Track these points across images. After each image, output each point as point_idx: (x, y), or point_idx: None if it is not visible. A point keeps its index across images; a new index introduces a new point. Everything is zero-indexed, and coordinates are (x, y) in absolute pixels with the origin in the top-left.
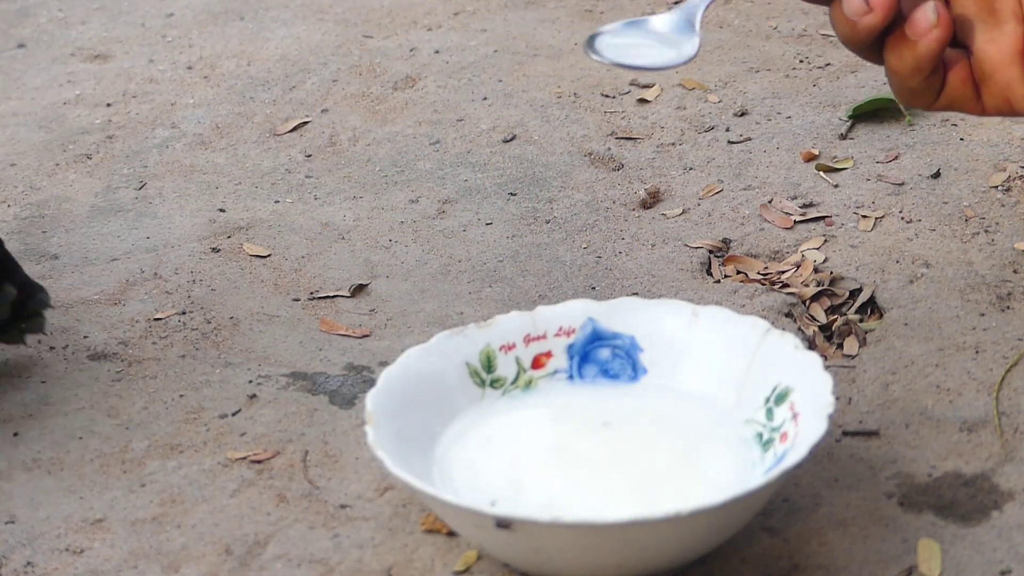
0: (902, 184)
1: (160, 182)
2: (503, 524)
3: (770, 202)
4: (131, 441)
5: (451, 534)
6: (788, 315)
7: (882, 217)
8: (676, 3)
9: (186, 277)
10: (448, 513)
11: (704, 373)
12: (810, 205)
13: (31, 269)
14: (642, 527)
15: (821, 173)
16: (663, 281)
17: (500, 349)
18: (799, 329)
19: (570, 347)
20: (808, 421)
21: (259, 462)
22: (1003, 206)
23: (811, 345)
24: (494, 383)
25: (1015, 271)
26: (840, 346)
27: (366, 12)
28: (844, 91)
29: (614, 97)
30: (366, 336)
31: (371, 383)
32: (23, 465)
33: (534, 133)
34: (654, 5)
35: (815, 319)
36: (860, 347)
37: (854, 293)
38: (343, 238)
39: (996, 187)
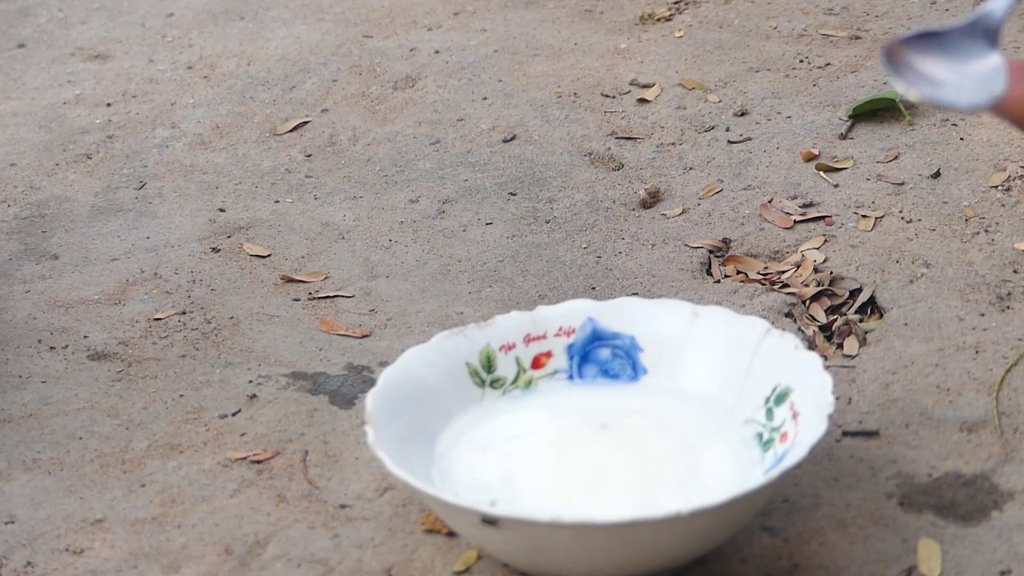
0: (902, 184)
1: (160, 182)
2: (489, 521)
3: (770, 202)
4: (131, 441)
5: (451, 534)
6: (788, 315)
7: (882, 217)
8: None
9: (186, 277)
10: (447, 513)
11: (704, 373)
12: (810, 205)
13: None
14: (642, 527)
15: (821, 173)
16: (663, 281)
17: (500, 349)
18: (799, 329)
19: (570, 347)
20: (808, 421)
21: (259, 462)
22: (1003, 206)
23: (811, 345)
24: (494, 383)
25: (1015, 271)
26: (840, 346)
27: (366, 12)
28: (844, 91)
29: (614, 97)
30: (366, 336)
31: (371, 383)
32: (23, 465)
33: (534, 133)
34: (654, 5)
35: (815, 319)
36: (860, 347)
37: (854, 293)
38: (343, 238)
39: (996, 187)
